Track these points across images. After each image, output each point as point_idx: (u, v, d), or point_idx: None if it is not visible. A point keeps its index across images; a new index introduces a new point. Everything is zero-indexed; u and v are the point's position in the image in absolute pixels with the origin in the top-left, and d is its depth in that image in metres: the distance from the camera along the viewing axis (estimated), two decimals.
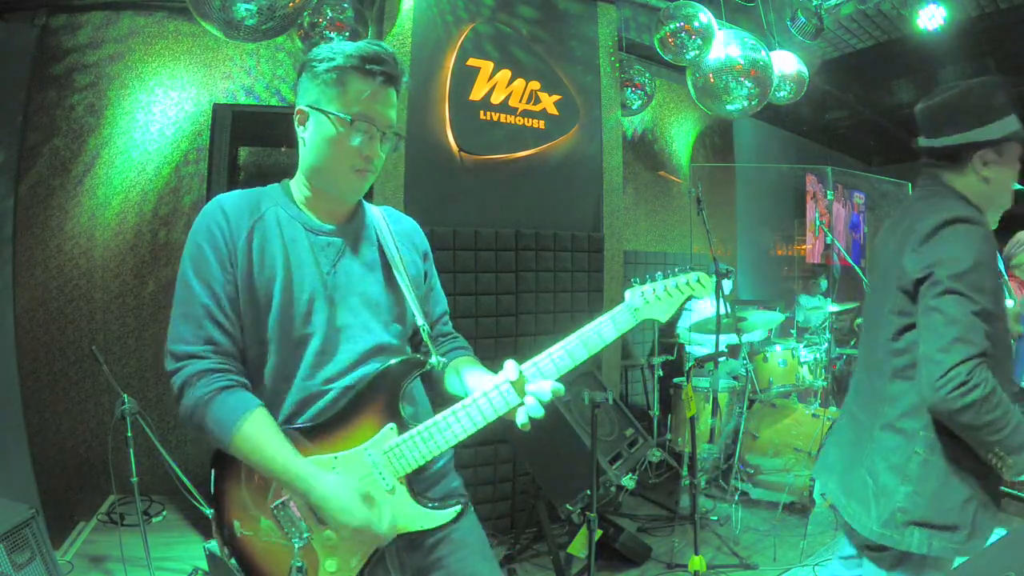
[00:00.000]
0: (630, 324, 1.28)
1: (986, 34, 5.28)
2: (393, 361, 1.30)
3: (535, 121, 3.63)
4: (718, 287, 3.55)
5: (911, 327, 1.50)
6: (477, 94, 3.46)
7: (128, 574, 2.74)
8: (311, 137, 1.30)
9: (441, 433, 1.26)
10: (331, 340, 1.29)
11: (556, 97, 3.69)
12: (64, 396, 3.63)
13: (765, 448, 3.90)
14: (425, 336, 1.38)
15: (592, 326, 1.27)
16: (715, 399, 3.89)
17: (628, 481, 3.04)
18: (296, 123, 1.32)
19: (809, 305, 5.55)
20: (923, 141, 1.63)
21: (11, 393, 3.13)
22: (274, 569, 1.24)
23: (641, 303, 1.28)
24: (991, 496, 1.50)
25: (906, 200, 1.70)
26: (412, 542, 1.33)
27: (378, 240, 1.40)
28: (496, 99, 3.51)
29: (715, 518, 3.63)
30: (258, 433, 1.19)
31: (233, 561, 1.26)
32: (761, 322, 4.28)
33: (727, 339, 4.22)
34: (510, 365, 1.25)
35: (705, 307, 4.54)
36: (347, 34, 3.21)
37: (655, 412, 4.36)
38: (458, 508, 1.31)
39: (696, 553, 2.88)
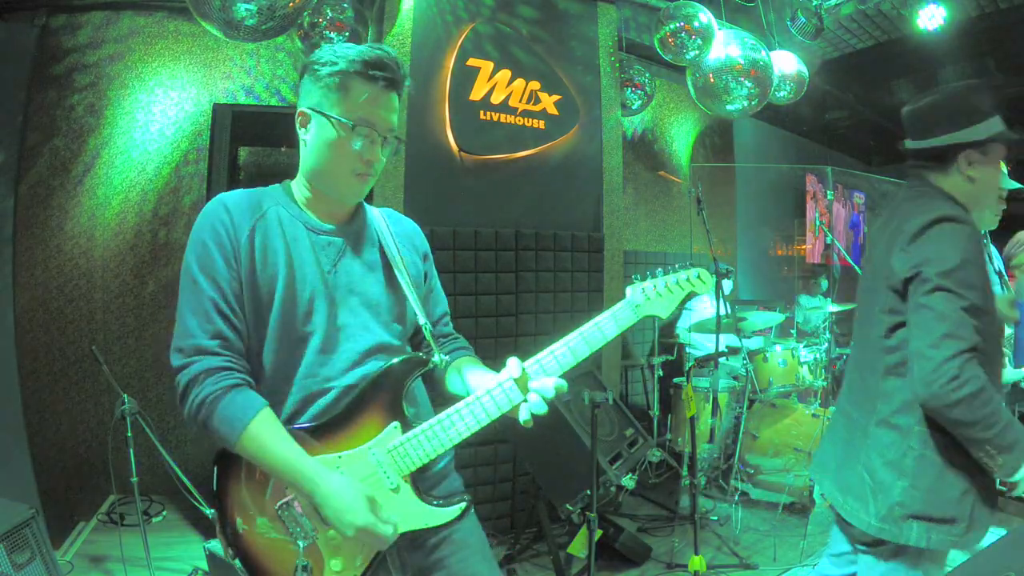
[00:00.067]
0: (632, 320, 1.29)
1: (986, 34, 5.28)
2: (396, 359, 1.31)
3: (535, 121, 3.63)
4: (718, 287, 3.55)
5: (902, 325, 1.52)
6: (477, 94, 3.46)
7: (128, 574, 2.74)
8: (312, 140, 1.30)
9: (445, 431, 1.26)
10: (332, 339, 1.29)
11: (556, 97, 3.69)
12: (64, 396, 3.63)
13: (765, 448, 3.90)
14: (428, 335, 1.39)
15: (593, 323, 1.27)
16: (715, 399, 3.89)
17: (628, 481, 3.04)
18: (297, 125, 1.32)
19: (809, 305, 5.55)
20: (910, 143, 1.66)
21: (11, 393, 3.13)
22: (278, 569, 1.24)
23: (642, 299, 1.29)
24: (987, 490, 1.52)
25: (895, 200, 1.72)
26: (414, 541, 1.33)
27: (379, 241, 1.40)
28: (496, 99, 3.51)
29: (715, 518, 3.63)
30: (265, 432, 1.19)
31: (237, 561, 1.26)
32: (761, 323, 4.28)
33: (727, 339, 4.23)
34: (513, 362, 1.25)
35: (705, 307, 4.54)
36: (347, 34, 3.21)
37: (655, 412, 4.36)
38: (462, 505, 1.32)
39: (696, 553, 2.88)
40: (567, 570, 2.89)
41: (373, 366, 1.30)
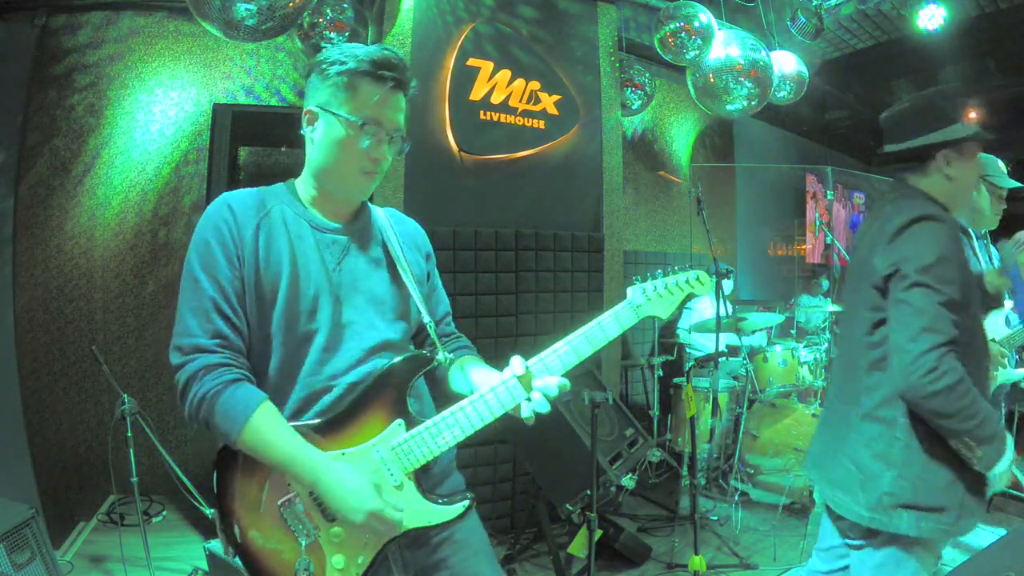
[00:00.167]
0: (632, 321, 1.31)
1: (986, 34, 5.28)
2: (401, 357, 1.31)
3: (535, 121, 3.63)
4: (718, 287, 3.55)
5: (883, 322, 1.57)
6: (477, 94, 3.46)
7: (128, 574, 2.74)
8: (320, 138, 1.31)
9: (449, 429, 1.27)
10: (336, 336, 1.29)
11: (556, 97, 3.69)
12: (64, 396, 3.63)
13: (765, 448, 3.90)
14: (432, 333, 1.39)
15: (595, 323, 1.29)
16: (715, 399, 3.89)
17: (628, 481, 3.04)
18: (305, 123, 1.33)
19: (810, 305, 5.55)
20: (889, 147, 1.72)
21: (11, 393, 3.13)
22: (280, 567, 1.24)
23: (643, 300, 1.31)
24: (975, 478, 1.54)
25: (878, 203, 1.79)
26: (416, 540, 1.33)
27: (382, 239, 1.41)
28: (496, 99, 3.51)
29: (715, 518, 3.63)
30: (267, 425, 1.19)
31: (237, 560, 1.26)
32: (761, 323, 4.27)
33: (727, 339, 4.23)
34: (516, 361, 1.26)
35: (706, 307, 4.54)
36: (347, 34, 3.21)
37: (655, 412, 4.36)
38: (465, 503, 1.32)
39: (696, 553, 2.88)
40: (567, 570, 2.89)
41: (377, 363, 1.31)
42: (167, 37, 3.80)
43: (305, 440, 1.21)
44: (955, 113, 1.64)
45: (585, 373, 3.16)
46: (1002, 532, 3.29)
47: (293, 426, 1.23)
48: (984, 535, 3.36)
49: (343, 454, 1.25)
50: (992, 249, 2.65)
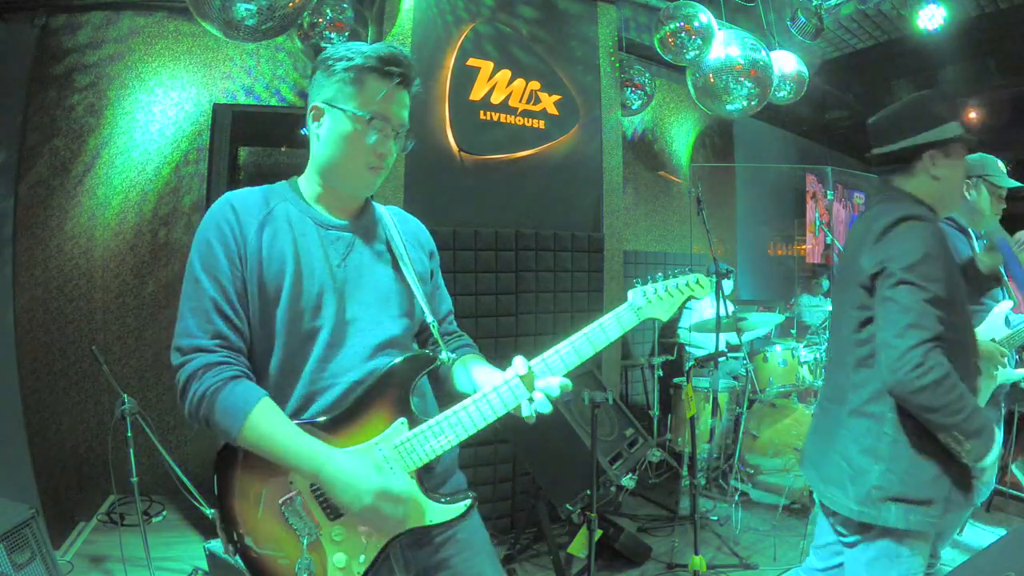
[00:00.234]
0: (633, 322, 1.33)
1: (986, 34, 5.27)
2: (404, 356, 1.31)
3: (535, 121, 3.63)
4: (718, 287, 3.55)
5: (871, 320, 1.61)
6: (477, 94, 3.46)
7: (128, 574, 2.74)
8: (327, 134, 1.32)
9: (452, 428, 1.27)
10: (340, 333, 1.30)
11: (556, 97, 3.69)
12: (64, 396, 3.63)
13: (765, 448, 3.90)
14: (435, 332, 1.40)
15: (596, 324, 1.30)
16: (715, 399, 3.89)
17: (628, 481, 3.04)
18: (310, 119, 1.34)
19: (810, 304, 5.56)
20: (877, 150, 1.77)
21: (11, 393, 3.13)
22: (281, 567, 1.24)
23: (643, 302, 1.32)
24: (962, 472, 1.58)
25: (866, 206, 1.77)
26: (418, 540, 1.33)
27: (386, 237, 1.42)
28: (496, 99, 3.51)
29: (715, 518, 3.63)
30: (267, 420, 1.20)
31: (238, 560, 1.25)
32: (761, 324, 4.27)
33: (727, 339, 4.22)
34: (519, 361, 1.27)
35: (706, 307, 4.54)
36: (347, 34, 3.21)
37: (655, 412, 4.36)
38: (468, 502, 1.32)
39: (696, 553, 2.88)
40: (567, 570, 2.89)
41: (381, 362, 1.31)
42: (167, 37, 3.80)
43: (304, 432, 1.21)
44: (941, 115, 1.68)
45: (585, 373, 3.16)
46: (1002, 532, 3.29)
47: (296, 423, 1.24)
48: (984, 535, 3.37)
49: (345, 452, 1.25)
50: (1001, 273, 2.65)
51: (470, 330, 1.64)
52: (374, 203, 1.46)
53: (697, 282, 1.37)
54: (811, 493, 3.57)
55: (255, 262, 1.26)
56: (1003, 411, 2.70)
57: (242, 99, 3.93)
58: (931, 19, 4.15)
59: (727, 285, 4.54)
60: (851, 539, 1.68)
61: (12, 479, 2.90)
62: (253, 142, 3.88)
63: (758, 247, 6.87)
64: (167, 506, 3.57)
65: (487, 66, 3.48)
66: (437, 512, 1.29)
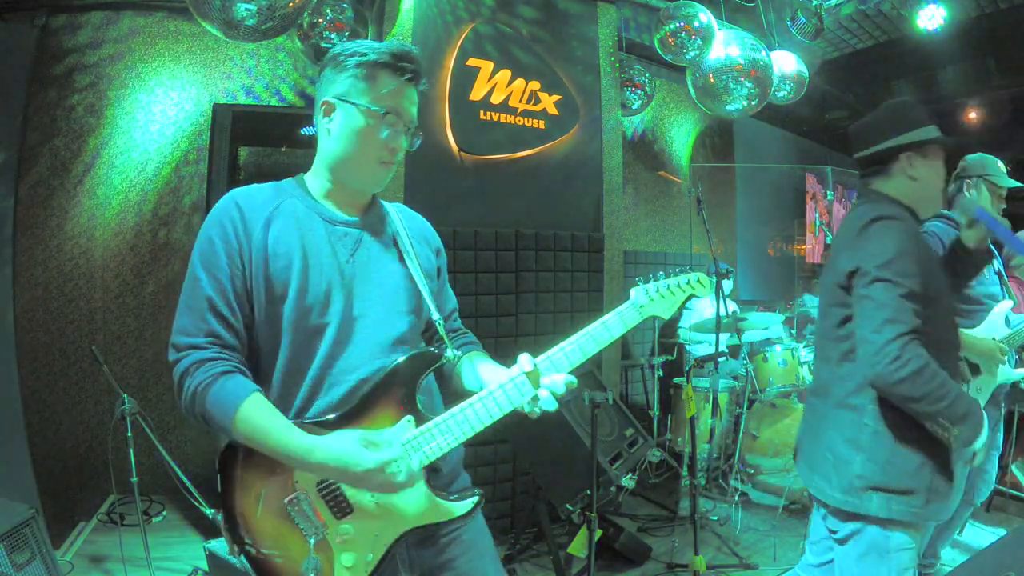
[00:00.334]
0: (636, 320, 1.33)
1: (986, 34, 5.27)
2: (411, 354, 1.31)
3: (535, 121, 3.63)
4: (718, 287, 3.55)
5: (850, 318, 1.68)
6: (477, 94, 3.46)
7: (128, 574, 2.74)
8: (338, 128, 1.32)
9: (459, 425, 1.27)
10: (347, 330, 1.29)
11: (556, 97, 3.69)
12: (64, 396, 3.63)
13: (765, 448, 3.90)
14: (441, 329, 1.40)
15: (600, 322, 1.31)
16: (715, 399, 3.89)
17: (628, 481, 3.04)
18: (321, 115, 1.34)
19: (812, 304, 5.56)
20: (857, 155, 1.84)
21: (11, 393, 3.13)
22: (287, 567, 1.24)
23: (646, 300, 1.33)
24: (944, 463, 1.63)
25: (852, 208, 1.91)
26: (424, 540, 1.33)
27: (393, 233, 1.41)
28: (496, 99, 3.51)
29: (715, 518, 3.63)
30: (256, 413, 1.19)
31: (243, 560, 1.25)
32: (761, 324, 4.27)
33: (728, 338, 4.22)
34: (524, 358, 1.27)
35: (706, 307, 4.54)
36: (347, 34, 3.21)
37: (655, 412, 4.36)
38: (476, 499, 1.32)
39: (696, 553, 2.88)
40: (567, 570, 2.89)
41: (389, 359, 1.30)
42: (167, 37, 3.80)
43: (292, 424, 1.21)
44: (917, 119, 1.74)
45: (585, 373, 3.16)
46: (1002, 532, 3.29)
47: (302, 422, 1.23)
48: (984, 535, 3.37)
49: None
50: (992, 249, 2.65)
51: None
52: (381, 200, 1.46)
53: (698, 280, 1.38)
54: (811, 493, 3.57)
55: (260, 259, 1.26)
56: (1003, 411, 2.70)
57: (242, 99, 3.94)
58: (931, 19, 4.15)
59: (726, 285, 4.54)
60: (841, 535, 1.72)
61: (12, 479, 2.89)
62: (253, 142, 3.88)
63: (758, 247, 6.87)
64: (167, 506, 3.57)
65: (487, 66, 3.48)
66: (446, 509, 1.29)
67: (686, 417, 3.33)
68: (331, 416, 1.26)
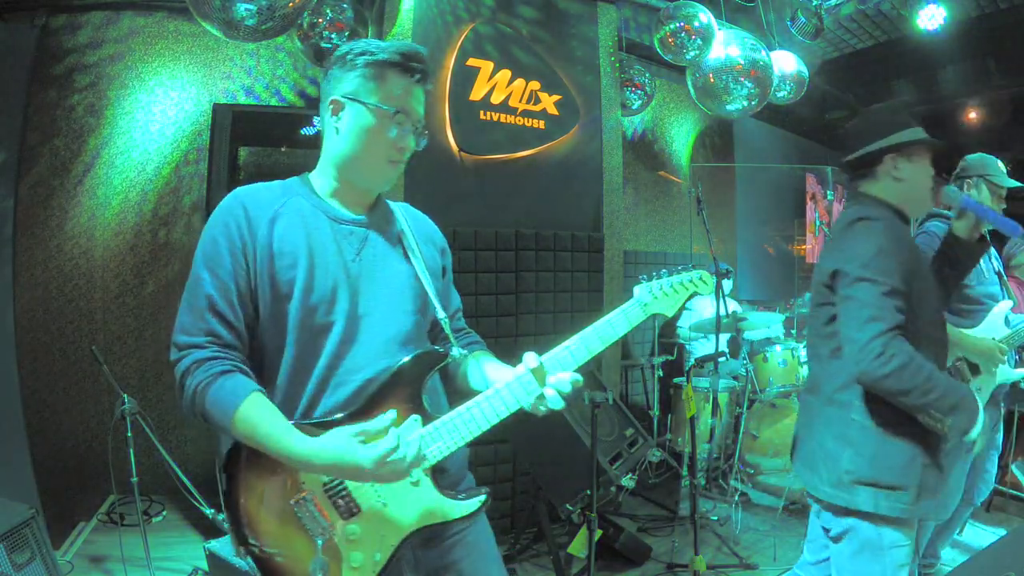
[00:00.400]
0: (640, 318, 1.34)
1: (986, 34, 5.27)
2: (417, 353, 1.31)
3: (535, 121, 3.63)
4: (718, 287, 3.55)
5: (836, 316, 1.72)
6: (477, 94, 3.46)
7: (128, 574, 2.74)
8: (347, 127, 1.31)
9: (466, 424, 1.27)
10: (353, 328, 1.29)
11: (556, 97, 3.69)
12: (64, 396, 3.63)
13: (765, 448, 3.90)
14: (447, 328, 1.40)
15: (604, 320, 1.31)
16: (715, 399, 3.89)
17: (628, 481, 3.04)
18: (328, 114, 1.33)
19: None
20: (844, 160, 1.88)
21: (11, 393, 3.13)
22: (294, 568, 1.23)
23: (650, 299, 1.34)
24: (935, 459, 1.65)
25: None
26: (429, 540, 1.33)
27: (399, 232, 1.41)
28: (496, 99, 3.51)
29: (715, 518, 3.63)
30: (255, 414, 1.18)
31: (250, 561, 1.24)
32: (761, 324, 4.27)
33: (728, 338, 4.22)
34: (530, 356, 1.27)
35: (705, 307, 4.54)
36: (347, 34, 3.21)
37: (655, 412, 4.36)
38: (483, 498, 1.32)
39: (696, 553, 2.88)
40: (567, 570, 2.89)
41: (395, 357, 1.30)
42: (167, 37, 3.80)
43: (291, 426, 1.20)
44: (901, 121, 1.78)
45: (585, 373, 3.13)
46: (1002, 532, 3.29)
47: (308, 421, 1.23)
48: (984, 535, 3.37)
49: None
50: (991, 249, 2.66)
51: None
52: (386, 199, 1.46)
53: (701, 278, 1.38)
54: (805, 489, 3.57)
55: (265, 257, 1.25)
56: (1003, 411, 2.70)
57: (242, 99, 3.94)
58: (931, 19, 4.15)
59: (726, 285, 4.55)
60: (834, 533, 1.73)
61: (12, 479, 2.89)
62: (253, 142, 3.88)
63: (758, 247, 6.87)
64: (167, 506, 3.57)
65: (487, 66, 3.48)
66: (454, 508, 1.29)
67: (686, 417, 3.33)
68: (339, 415, 1.25)
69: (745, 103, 3.91)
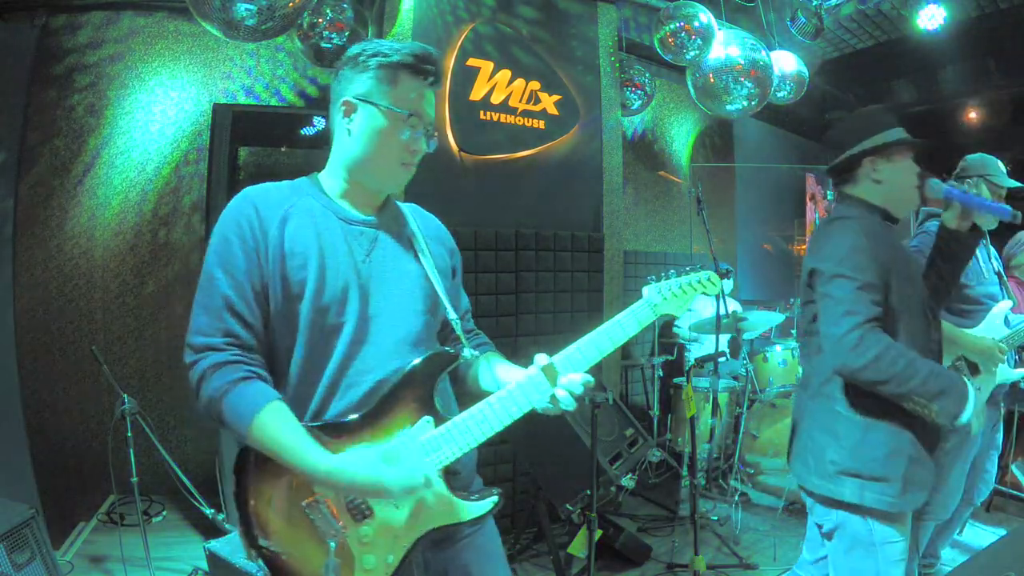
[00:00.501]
0: (650, 319, 1.34)
1: (986, 34, 5.27)
2: (429, 354, 1.30)
3: (535, 121, 3.63)
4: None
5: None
6: (477, 94, 3.46)
7: (128, 574, 2.74)
8: (360, 129, 1.31)
9: (478, 425, 1.27)
10: (363, 329, 1.28)
11: (556, 97, 3.69)
12: (64, 396, 3.63)
13: (765, 448, 3.90)
14: (458, 329, 1.39)
15: (614, 320, 1.31)
16: (715, 399, 3.89)
17: (628, 481, 3.04)
18: (339, 115, 1.32)
19: None
20: (827, 167, 1.93)
21: (11, 393, 3.13)
22: (306, 569, 1.22)
23: (659, 299, 1.34)
24: (920, 451, 1.66)
25: None
26: (439, 541, 1.32)
27: (408, 233, 1.41)
28: (496, 99, 3.51)
29: (715, 518, 3.63)
30: (272, 423, 1.18)
31: (261, 563, 1.23)
32: (761, 324, 4.27)
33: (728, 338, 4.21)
34: (541, 357, 1.27)
35: (705, 307, 4.54)
36: (347, 34, 3.21)
37: (655, 412, 4.36)
38: (495, 499, 1.31)
39: (696, 553, 2.88)
40: (567, 570, 2.89)
41: (406, 359, 1.29)
42: (167, 37, 3.80)
43: (311, 438, 1.19)
44: (878, 124, 1.81)
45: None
46: (1002, 532, 3.29)
47: (319, 424, 1.22)
48: (984, 535, 3.37)
49: None
50: (991, 249, 2.66)
51: None
52: (395, 200, 1.45)
53: (709, 279, 1.39)
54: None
55: (277, 256, 1.25)
56: (1002, 411, 2.70)
57: (242, 99, 3.94)
58: (931, 19, 4.15)
59: (727, 284, 4.55)
60: (826, 528, 1.76)
61: (12, 479, 2.89)
62: (253, 142, 3.88)
63: (758, 247, 6.87)
64: (167, 506, 3.57)
65: (487, 66, 3.48)
66: (467, 509, 1.28)
67: (686, 417, 3.33)
68: (353, 416, 1.25)
69: (745, 103, 3.91)
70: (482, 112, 3.47)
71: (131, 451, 2.64)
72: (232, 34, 2.70)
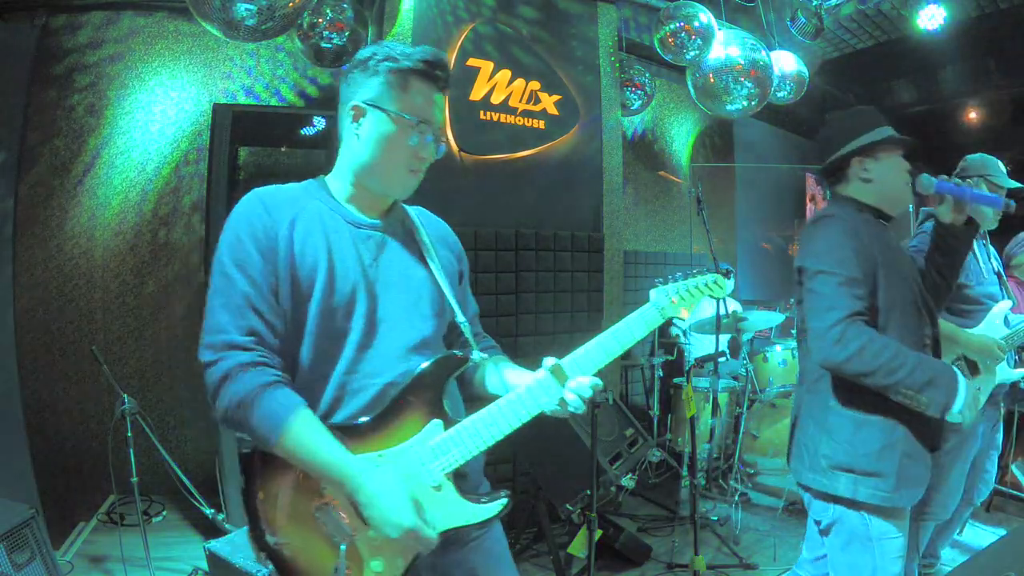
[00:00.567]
0: (658, 321, 1.34)
1: (986, 34, 5.28)
2: (437, 357, 1.30)
3: (535, 121, 3.63)
4: None
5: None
6: (477, 94, 3.46)
7: (128, 574, 2.74)
8: (368, 134, 1.30)
9: (487, 428, 1.26)
10: (371, 333, 1.28)
11: (556, 97, 3.69)
12: (64, 396, 3.63)
13: (765, 448, 3.90)
14: (467, 332, 1.39)
15: (622, 323, 1.31)
16: (715, 399, 3.89)
17: (628, 481, 3.04)
18: (348, 119, 1.31)
19: None
20: (818, 170, 1.98)
21: (11, 393, 3.13)
22: (315, 571, 1.22)
23: (667, 302, 1.33)
24: (914, 446, 1.67)
25: None
26: (448, 543, 1.31)
27: (416, 237, 1.41)
28: (496, 99, 3.51)
29: (715, 518, 3.63)
30: (306, 431, 1.17)
31: (270, 564, 1.23)
32: (761, 324, 4.27)
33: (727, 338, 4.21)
34: (550, 360, 1.27)
35: (705, 307, 4.54)
36: (347, 34, 3.21)
37: (655, 412, 4.36)
38: (504, 501, 1.31)
39: (696, 553, 2.88)
40: (567, 570, 2.89)
41: (415, 362, 1.29)
42: (167, 37, 3.80)
43: (344, 448, 1.18)
44: (865, 123, 1.83)
45: None
46: (1002, 532, 3.29)
47: (328, 426, 1.22)
48: (984, 535, 3.37)
49: (380, 455, 1.23)
50: (991, 249, 2.66)
51: None
52: (402, 203, 1.45)
53: (716, 282, 1.39)
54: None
55: (287, 257, 1.24)
56: (1002, 411, 2.70)
57: (242, 99, 3.94)
58: (931, 19, 4.15)
59: (727, 285, 4.54)
60: (824, 524, 1.77)
61: (12, 479, 2.89)
62: (253, 142, 3.87)
63: (758, 247, 6.87)
64: (167, 506, 3.57)
65: (487, 66, 3.48)
66: (476, 512, 1.28)
67: (686, 417, 3.33)
68: (363, 419, 1.24)
69: (745, 103, 3.91)
70: (482, 112, 3.47)
71: (131, 451, 2.64)
72: (232, 34, 2.70)
